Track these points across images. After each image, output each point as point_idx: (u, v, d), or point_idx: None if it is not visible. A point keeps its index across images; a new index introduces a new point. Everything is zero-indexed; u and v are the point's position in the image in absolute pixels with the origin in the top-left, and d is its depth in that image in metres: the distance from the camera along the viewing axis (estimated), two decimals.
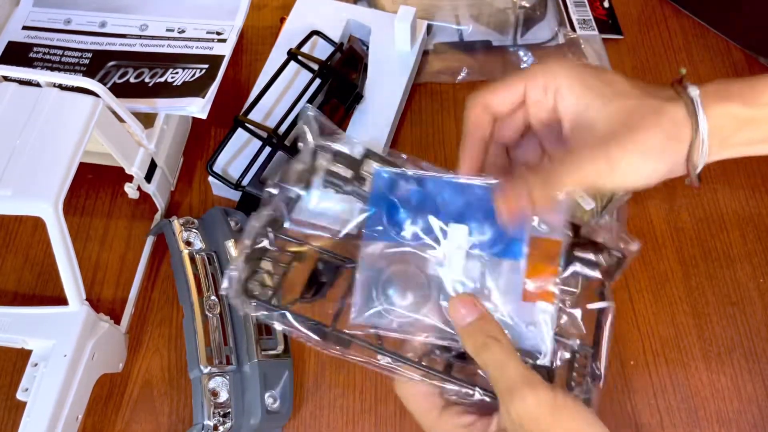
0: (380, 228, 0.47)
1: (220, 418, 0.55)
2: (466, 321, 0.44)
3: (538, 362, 0.45)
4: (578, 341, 0.48)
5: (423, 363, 0.45)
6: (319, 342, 0.45)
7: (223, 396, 0.55)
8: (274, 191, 0.47)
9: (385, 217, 0.47)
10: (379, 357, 0.45)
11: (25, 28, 0.71)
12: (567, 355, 0.47)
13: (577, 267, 0.48)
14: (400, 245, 0.46)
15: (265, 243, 0.46)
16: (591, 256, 0.49)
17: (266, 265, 0.47)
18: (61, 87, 0.56)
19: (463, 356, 0.46)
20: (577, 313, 0.48)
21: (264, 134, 0.65)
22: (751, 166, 0.71)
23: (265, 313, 0.44)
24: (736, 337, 0.62)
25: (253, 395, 0.55)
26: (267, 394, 0.56)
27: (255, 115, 0.67)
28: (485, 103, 0.47)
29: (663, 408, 0.59)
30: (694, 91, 0.42)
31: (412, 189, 0.47)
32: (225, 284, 0.44)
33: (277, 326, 0.45)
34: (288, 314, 0.44)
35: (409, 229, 0.47)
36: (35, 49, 0.69)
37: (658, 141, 0.42)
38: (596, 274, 0.49)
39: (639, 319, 0.62)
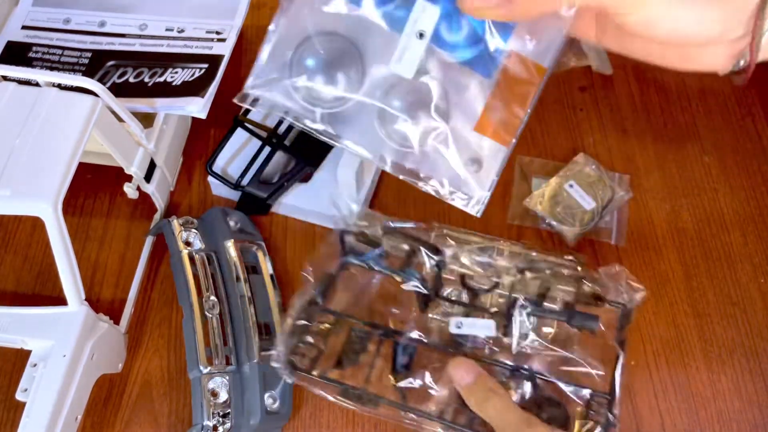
0: None
1: (220, 419, 0.54)
2: (467, 381, 0.48)
3: (468, 209, 0.39)
4: (590, 390, 0.49)
5: (445, 417, 0.48)
6: (351, 404, 0.51)
7: (223, 396, 0.55)
8: (311, 278, 0.54)
9: None
10: (403, 414, 0.49)
11: (24, 27, 0.71)
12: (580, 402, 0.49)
13: (580, 322, 0.50)
14: (349, 11, 0.36)
15: (305, 319, 0.53)
16: (595, 311, 0.51)
17: (307, 337, 0.54)
18: (60, 87, 0.56)
19: None
20: (599, 370, 0.49)
21: (264, 134, 0.65)
22: (751, 166, 0.71)
23: (306, 382, 0.52)
24: (737, 337, 0.61)
25: (252, 395, 0.55)
26: (267, 395, 0.56)
27: (254, 115, 0.67)
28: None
29: (664, 409, 0.59)
30: None
31: None
32: (274, 356, 0.52)
33: (317, 392, 0.52)
34: (325, 382, 0.51)
35: None
36: (34, 48, 0.69)
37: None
38: (597, 322, 0.49)
39: (640, 319, 0.62)
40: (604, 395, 0.49)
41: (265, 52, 0.35)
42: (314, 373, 0.52)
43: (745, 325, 0.62)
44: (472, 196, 0.37)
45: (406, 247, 0.54)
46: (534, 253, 0.55)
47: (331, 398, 0.52)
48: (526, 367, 0.51)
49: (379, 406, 0.51)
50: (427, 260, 0.53)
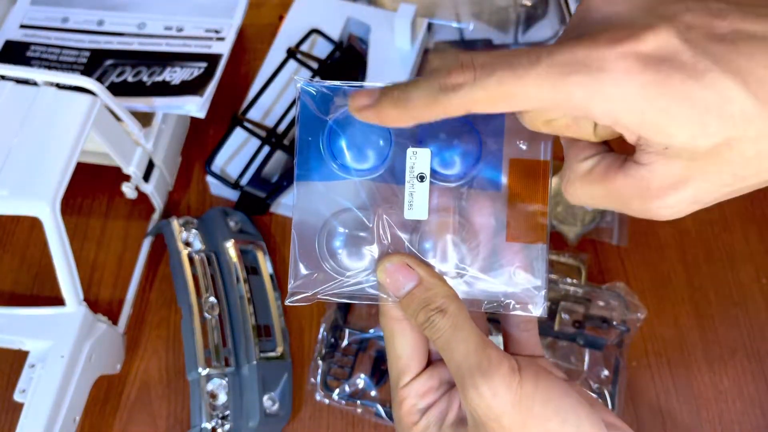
0: (315, 161, 0.37)
1: (219, 421, 0.54)
2: (402, 291, 0.36)
3: (533, 313, 0.37)
4: (595, 395, 0.52)
5: None
6: (386, 420, 0.56)
7: (222, 398, 0.55)
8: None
9: (325, 148, 0.37)
10: None
11: (22, 26, 0.71)
12: None
13: (586, 340, 0.51)
14: (343, 181, 0.37)
15: (333, 342, 0.57)
16: (598, 331, 0.53)
17: (338, 358, 0.58)
18: (58, 86, 0.56)
19: None
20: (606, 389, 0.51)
21: (263, 133, 0.65)
22: None
23: (342, 402, 0.57)
24: (739, 338, 0.61)
25: (251, 397, 0.55)
26: (266, 397, 0.55)
27: (254, 114, 0.67)
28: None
29: (665, 409, 0.58)
30: None
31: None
32: (311, 381, 0.57)
33: (356, 411, 0.57)
34: (358, 401, 0.57)
35: (354, 159, 0.37)
36: (32, 47, 0.69)
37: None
38: (604, 342, 0.52)
39: (641, 320, 0.62)
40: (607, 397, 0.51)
41: (297, 257, 0.37)
42: (347, 390, 0.58)
43: (746, 325, 0.62)
44: (532, 300, 0.37)
45: None
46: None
47: (368, 417, 0.57)
48: None
49: None
50: None
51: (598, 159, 0.32)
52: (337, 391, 0.58)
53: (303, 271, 0.37)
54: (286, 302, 0.37)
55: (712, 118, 0.27)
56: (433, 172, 0.37)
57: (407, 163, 0.37)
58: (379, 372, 0.58)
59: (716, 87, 0.27)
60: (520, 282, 0.37)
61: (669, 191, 0.29)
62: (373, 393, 0.58)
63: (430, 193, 0.37)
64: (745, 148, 0.27)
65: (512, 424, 0.32)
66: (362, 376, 0.58)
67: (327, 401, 0.58)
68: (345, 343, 0.59)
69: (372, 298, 0.36)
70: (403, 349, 0.37)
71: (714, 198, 0.29)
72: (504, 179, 0.37)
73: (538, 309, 0.37)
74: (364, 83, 0.36)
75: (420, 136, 0.37)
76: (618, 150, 0.32)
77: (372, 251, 0.37)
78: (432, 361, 0.38)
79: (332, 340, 0.59)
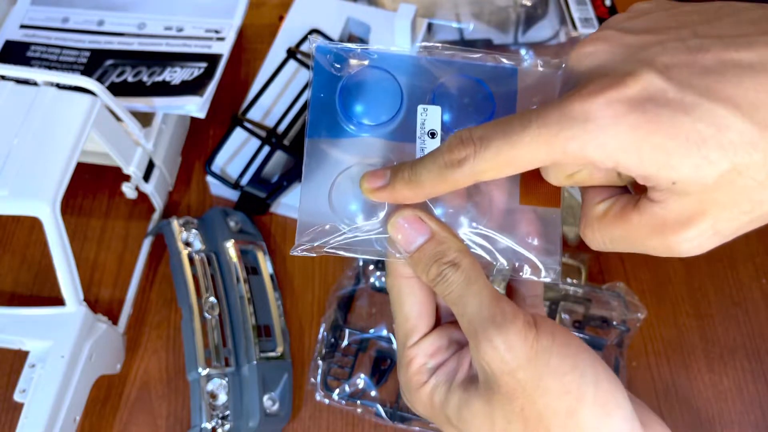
0: (327, 118, 0.37)
1: (219, 421, 0.54)
2: (414, 246, 0.34)
3: (545, 278, 0.36)
4: None
5: None
6: (386, 420, 0.56)
7: (222, 398, 0.55)
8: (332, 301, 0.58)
9: (338, 104, 0.37)
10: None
11: (22, 26, 0.71)
12: None
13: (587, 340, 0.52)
14: (355, 139, 0.37)
15: (333, 342, 0.57)
16: (598, 331, 0.54)
17: (339, 358, 0.58)
18: (58, 86, 0.56)
19: None
20: None
21: (263, 133, 0.65)
22: None
23: (343, 402, 0.57)
24: (739, 338, 0.61)
25: (251, 397, 0.55)
26: (266, 397, 0.55)
27: (254, 114, 0.67)
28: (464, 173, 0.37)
29: (665, 409, 0.58)
30: None
31: (369, 69, 0.38)
32: (311, 381, 0.57)
33: (356, 411, 0.57)
34: (358, 401, 0.57)
35: (365, 117, 0.37)
36: (33, 47, 0.69)
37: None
38: (604, 342, 0.52)
39: (641, 320, 0.62)
40: None
41: (304, 210, 0.37)
42: (347, 390, 0.58)
43: (746, 325, 0.62)
44: (545, 265, 0.36)
45: None
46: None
47: (368, 417, 0.58)
48: None
49: (412, 423, 0.56)
50: None
51: (613, 201, 0.32)
52: (337, 391, 0.58)
53: (310, 222, 0.36)
54: (291, 252, 0.36)
55: (711, 148, 0.27)
56: (446, 129, 0.37)
57: (418, 119, 0.36)
58: (380, 372, 0.58)
59: (709, 117, 0.27)
60: (534, 245, 0.36)
61: (686, 226, 0.29)
62: (373, 393, 0.58)
63: None
64: (754, 172, 0.27)
65: (528, 379, 0.31)
66: (362, 376, 0.58)
67: (327, 401, 0.58)
68: (345, 343, 0.59)
69: (381, 254, 0.36)
70: (411, 308, 0.36)
71: (736, 227, 0.30)
72: None
73: (551, 274, 0.36)
74: (373, 47, 0.38)
75: (434, 93, 0.37)
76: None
77: (382, 207, 0.36)
78: (440, 322, 0.37)
79: (332, 340, 0.59)
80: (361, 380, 0.58)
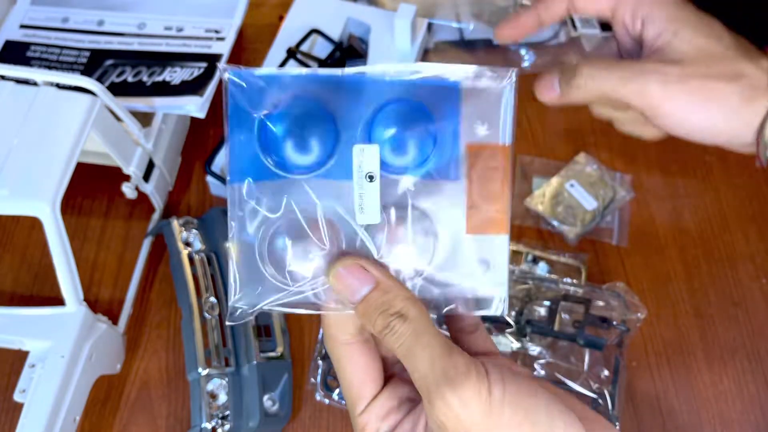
0: (249, 159, 0.33)
1: (219, 421, 0.54)
2: (358, 296, 0.33)
3: (493, 311, 0.35)
4: (599, 398, 0.54)
5: None
6: None
7: (222, 398, 0.55)
8: None
9: (258, 145, 0.34)
10: None
11: (22, 26, 0.71)
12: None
13: (587, 340, 0.53)
14: (283, 181, 0.34)
15: None
16: (598, 331, 0.54)
17: None
18: (58, 86, 0.56)
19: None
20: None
21: None
22: (753, 166, 0.70)
23: (343, 402, 0.55)
24: (739, 338, 0.61)
25: (251, 397, 0.55)
26: (266, 397, 0.55)
27: None
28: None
29: (665, 409, 0.58)
30: None
31: (291, 96, 0.34)
32: (311, 381, 0.56)
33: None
34: None
35: (294, 157, 0.34)
36: (32, 47, 0.69)
37: (728, 95, 0.41)
38: (604, 342, 0.53)
39: (641, 320, 0.62)
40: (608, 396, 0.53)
41: (236, 271, 0.34)
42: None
43: (746, 325, 0.62)
44: (494, 297, 0.35)
45: None
46: (540, 271, 0.60)
47: None
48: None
49: None
50: None
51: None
52: (337, 390, 0.57)
53: (244, 284, 0.34)
54: (227, 322, 0.34)
55: None
56: (384, 164, 0.34)
57: (354, 161, 0.34)
58: None
59: None
60: (481, 278, 0.35)
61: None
62: None
63: (382, 187, 0.34)
64: None
65: None
66: None
67: (327, 401, 0.58)
68: None
69: (319, 308, 0.34)
70: (354, 375, 0.35)
71: None
72: (462, 167, 0.34)
73: (499, 307, 0.35)
74: (293, 71, 0.33)
75: (371, 124, 0.34)
76: None
77: (320, 256, 0.34)
78: (388, 377, 0.36)
79: None
80: None
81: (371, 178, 0.34)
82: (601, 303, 0.57)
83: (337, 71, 0.33)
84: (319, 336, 0.60)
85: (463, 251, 0.35)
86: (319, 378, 0.58)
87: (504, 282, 0.35)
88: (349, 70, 0.33)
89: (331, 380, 0.58)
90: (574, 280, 0.59)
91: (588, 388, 0.56)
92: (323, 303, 0.34)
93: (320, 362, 0.58)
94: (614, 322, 0.57)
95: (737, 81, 0.41)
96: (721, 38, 0.43)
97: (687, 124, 0.42)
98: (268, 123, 0.33)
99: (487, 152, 0.35)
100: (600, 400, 0.55)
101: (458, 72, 0.34)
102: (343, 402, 0.57)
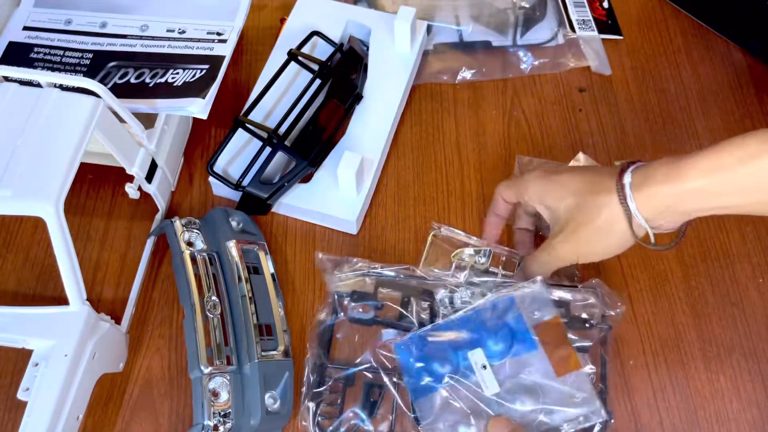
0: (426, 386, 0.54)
1: (221, 419, 0.55)
2: None
3: (586, 423, 0.52)
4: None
5: None
6: None
7: (224, 396, 0.55)
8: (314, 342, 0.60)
9: (425, 375, 0.55)
10: None
11: (25, 28, 0.71)
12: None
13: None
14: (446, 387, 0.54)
15: (318, 381, 0.58)
16: (581, 334, 0.57)
17: (327, 396, 0.58)
18: (61, 87, 0.56)
19: None
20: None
21: (264, 135, 0.66)
22: None
23: None
24: (736, 337, 0.62)
25: (253, 396, 0.55)
26: (267, 395, 0.56)
27: (255, 116, 0.67)
28: (502, 195, 0.61)
29: (662, 408, 0.59)
30: (626, 179, 0.51)
31: (430, 342, 0.56)
32: (303, 424, 0.57)
33: None
34: None
35: (444, 372, 0.55)
36: (36, 49, 0.69)
37: (597, 230, 0.53)
38: (588, 343, 0.57)
39: (639, 319, 0.62)
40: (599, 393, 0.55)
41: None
42: (341, 428, 0.57)
43: (743, 324, 0.62)
44: (590, 409, 0.52)
45: (399, 294, 0.61)
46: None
47: None
48: None
49: None
50: (420, 308, 0.60)
51: None
52: (330, 429, 0.56)
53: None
54: None
55: None
56: (489, 358, 0.54)
57: (471, 361, 0.54)
58: (371, 404, 0.57)
59: None
60: (578, 402, 0.52)
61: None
62: (367, 426, 0.56)
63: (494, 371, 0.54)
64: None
65: None
66: (355, 409, 0.57)
67: None
68: (331, 381, 0.58)
69: None
70: None
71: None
72: (534, 339, 0.54)
73: (597, 416, 0.52)
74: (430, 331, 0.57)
75: (473, 341, 0.55)
76: None
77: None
78: None
79: (318, 379, 0.58)
80: (352, 414, 0.57)
81: (484, 366, 0.54)
82: (579, 302, 0.57)
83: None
84: (304, 378, 0.58)
85: (562, 395, 0.53)
86: (310, 420, 0.57)
87: (594, 399, 0.53)
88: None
89: (323, 420, 0.57)
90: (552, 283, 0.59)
91: None
92: None
93: (309, 404, 0.57)
94: (594, 322, 0.57)
95: (596, 222, 0.53)
96: (575, 191, 0.54)
97: (596, 256, 0.56)
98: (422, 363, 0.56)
99: (546, 326, 0.55)
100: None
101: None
102: None
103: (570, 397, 0.52)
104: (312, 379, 0.58)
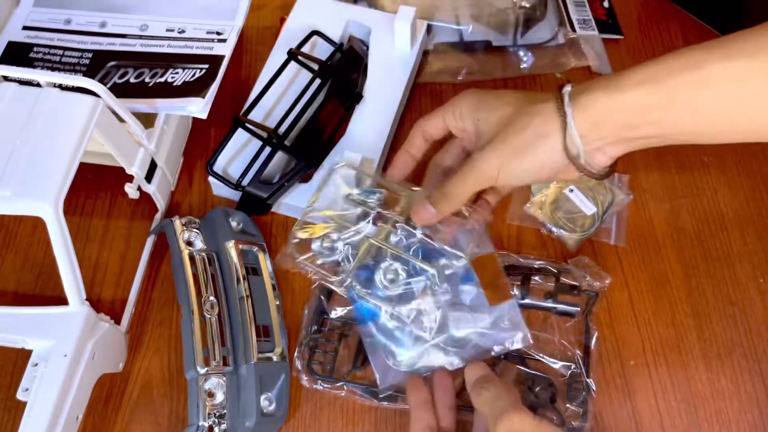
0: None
1: (216, 420, 0.54)
2: (474, 378, 0.52)
3: (514, 346, 0.56)
4: (573, 365, 0.59)
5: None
6: (372, 401, 0.59)
7: (219, 397, 0.55)
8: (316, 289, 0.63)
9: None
10: None
11: (25, 28, 0.71)
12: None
13: (560, 308, 0.60)
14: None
15: (317, 328, 0.61)
16: (570, 299, 0.60)
17: (322, 344, 0.61)
18: (61, 87, 0.56)
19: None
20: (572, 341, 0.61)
21: (264, 134, 0.65)
22: (750, 166, 0.71)
23: (327, 386, 0.59)
24: (736, 337, 0.62)
25: (248, 397, 0.55)
26: (263, 397, 0.56)
27: (255, 115, 0.67)
28: (422, 128, 0.58)
29: (663, 408, 0.59)
30: (565, 89, 0.49)
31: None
32: (297, 366, 0.59)
33: (341, 394, 0.59)
34: (345, 384, 0.59)
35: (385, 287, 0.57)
36: (35, 49, 0.69)
37: (527, 140, 0.49)
38: (577, 309, 0.60)
39: (639, 319, 0.62)
40: (583, 366, 0.59)
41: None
42: (334, 377, 0.59)
43: (744, 324, 0.62)
44: (516, 335, 0.57)
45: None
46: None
47: (351, 398, 0.59)
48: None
49: (398, 401, 0.58)
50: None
51: None
52: (322, 375, 0.59)
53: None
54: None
55: None
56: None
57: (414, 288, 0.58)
58: (363, 354, 0.59)
59: None
60: (506, 327, 0.57)
61: None
62: (358, 374, 0.59)
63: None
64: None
65: None
66: (346, 358, 0.60)
67: (312, 386, 0.59)
68: (327, 328, 0.61)
69: None
70: None
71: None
72: (474, 274, 0.58)
73: (523, 341, 0.57)
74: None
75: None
76: None
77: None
78: None
79: (315, 326, 0.61)
80: (345, 364, 0.60)
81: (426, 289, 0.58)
82: (569, 276, 0.61)
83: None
84: (303, 322, 0.61)
85: (494, 317, 0.57)
86: (304, 363, 0.59)
87: (520, 325, 0.57)
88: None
89: (315, 365, 0.59)
90: (542, 257, 0.64)
91: (563, 354, 0.59)
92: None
93: (305, 348, 0.60)
94: (583, 288, 0.60)
95: (529, 124, 0.49)
96: (511, 102, 0.51)
97: (521, 176, 0.51)
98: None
99: (484, 260, 0.58)
100: (574, 367, 0.59)
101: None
102: (328, 386, 0.59)
103: (500, 322, 0.57)
104: (310, 324, 0.61)
